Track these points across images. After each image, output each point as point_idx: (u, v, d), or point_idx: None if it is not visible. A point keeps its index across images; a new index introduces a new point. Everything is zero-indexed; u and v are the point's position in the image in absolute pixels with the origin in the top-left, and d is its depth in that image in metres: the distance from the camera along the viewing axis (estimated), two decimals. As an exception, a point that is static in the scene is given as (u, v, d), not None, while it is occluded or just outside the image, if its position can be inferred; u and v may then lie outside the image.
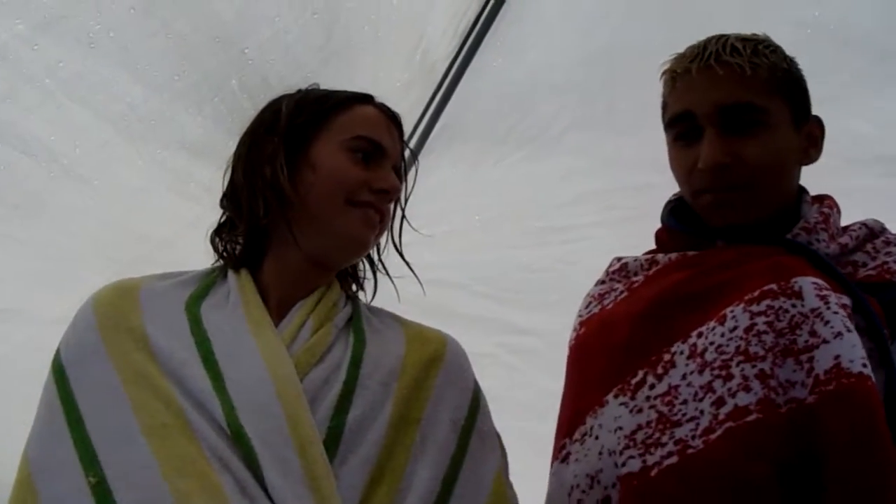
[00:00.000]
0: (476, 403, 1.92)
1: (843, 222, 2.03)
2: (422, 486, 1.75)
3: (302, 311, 1.85)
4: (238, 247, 1.93)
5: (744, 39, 1.96)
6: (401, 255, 2.05)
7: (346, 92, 1.96)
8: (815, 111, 2.04)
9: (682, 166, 1.98)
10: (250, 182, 1.88)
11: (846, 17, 3.38)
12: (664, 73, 2.03)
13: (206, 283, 1.88)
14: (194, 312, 1.80)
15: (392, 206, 1.96)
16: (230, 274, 1.90)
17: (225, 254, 1.95)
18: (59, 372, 1.75)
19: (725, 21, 3.35)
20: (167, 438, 1.63)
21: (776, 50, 1.97)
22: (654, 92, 2.06)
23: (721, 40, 1.95)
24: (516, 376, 4.09)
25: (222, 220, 1.98)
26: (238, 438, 1.64)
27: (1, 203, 3.08)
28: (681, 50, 2.03)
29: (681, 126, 1.96)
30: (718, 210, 1.94)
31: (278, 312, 1.84)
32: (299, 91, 1.98)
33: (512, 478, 1.95)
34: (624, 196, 3.75)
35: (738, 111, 1.90)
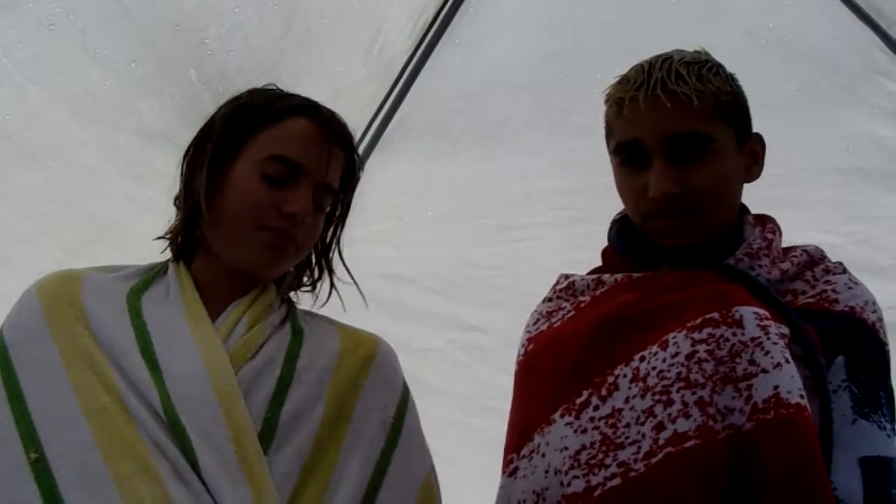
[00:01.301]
0: (404, 404, 1.95)
1: (792, 233, 2.08)
2: (353, 479, 1.80)
3: (238, 310, 1.87)
4: (173, 242, 1.96)
5: (688, 63, 1.96)
6: (343, 262, 2.07)
7: (288, 101, 1.93)
8: (765, 120, 2.07)
9: (630, 192, 2.00)
10: (185, 187, 1.92)
11: (799, 29, 3.43)
12: (609, 97, 2.03)
13: (147, 278, 1.90)
14: (135, 305, 1.83)
15: (327, 212, 1.96)
16: (170, 268, 1.92)
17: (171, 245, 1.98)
18: (1, 352, 1.76)
19: (680, 28, 3.41)
20: (107, 421, 1.66)
21: (719, 72, 1.99)
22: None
23: (665, 65, 1.96)
24: (465, 372, 4.09)
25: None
26: (174, 426, 1.67)
27: (-47, 182, 3.08)
28: (634, 57, 2.05)
29: (628, 153, 1.97)
30: (667, 235, 1.97)
31: (212, 309, 1.86)
32: (249, 93, 1.97)
33: (456, 471, 1.98)
34: (574, 197, 3.77)
35: (685, 140, 1.92)
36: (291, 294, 2.05)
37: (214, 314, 1.85)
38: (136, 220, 3.20)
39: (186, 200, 1.91)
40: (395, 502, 1.84)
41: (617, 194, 2.11)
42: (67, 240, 3.23)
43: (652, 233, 2.00)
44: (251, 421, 1.72)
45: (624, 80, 2.00)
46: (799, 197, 2.14)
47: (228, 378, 1.74)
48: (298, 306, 2.05)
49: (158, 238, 1.97)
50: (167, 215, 1.98)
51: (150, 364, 1.73)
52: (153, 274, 1.91)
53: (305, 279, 2.06)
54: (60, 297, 1.82)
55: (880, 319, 1.93)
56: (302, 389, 1.82)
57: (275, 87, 1.98)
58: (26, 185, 3.05)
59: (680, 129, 1.92)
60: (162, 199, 2.02)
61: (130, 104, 3.08)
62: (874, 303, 1.95)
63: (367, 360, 1.94)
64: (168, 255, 1.97)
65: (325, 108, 1.96)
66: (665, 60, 1.97)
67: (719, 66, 2.01)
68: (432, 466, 1.95)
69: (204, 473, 1.65)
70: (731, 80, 2.01)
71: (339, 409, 1.85)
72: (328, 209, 1.96)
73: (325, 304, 2.05)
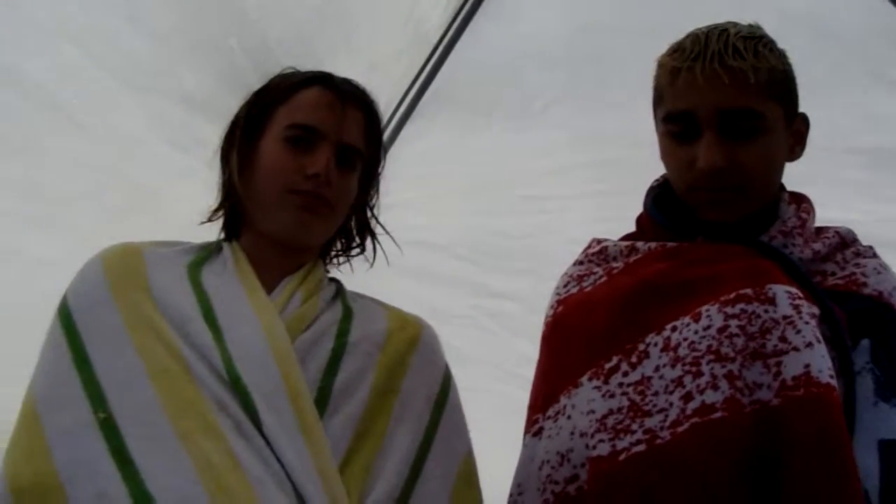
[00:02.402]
0: (447, 382, 2.01)
1: (819, 213, 2.07)
2: (402, 448, 1.86)
3: (291, 284, 1.94)
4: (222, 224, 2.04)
5: (745, 38, 1.94)
6: (376, 220, 2.13)
7: (298, 76, 2.01)
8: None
9: (677, 162, 1.99)
10: (223, 170, 2.01)
11: (827, 9, 3.44)
12: (662, 65, 2.00)
13: (204, 254, 1.97)
14: (195, 276, 1.90)
15: (356, 178, 2.01)
16: (225, 246, 1.98)
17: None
18: (65, 317, 1.83)
19: (713, 4, 3.41)
20: (170, 382, 1.73)
21: (773, 48, 1.96)
22: (641, 70, 2.07)
23: (722, 37, 1.93)
24: (490, 338, 4.15)
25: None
26: (236, 385, 1.74)
27: (2, 146, 3.13)
28: (668, 32, 2.06)
29: (679, 124, 1.96)
30: (711, 208, 1.97)
31: (265, 284, 1.92)
32: (268, 81, 2.03)
33: (479, 435, 2.03)
34: (605, 170, 3.79)
35: (738, 116, 1.91)
36: (339, 270, 2.12)
37: (268, 288, 1.91)
38: (176, 187, 3.25)
39: (225, 185, 2.00)
40: (439, 474, 1.89)
41: (644, 169, 2.14)
42: (109, 204, 3.28)
43: (695, 204, 2.00)
44: (307, 385, 1.79)
45: (679, 50, 1.97)
46: (822, 175, 2.16)
47: (285, 343, 1.80)
48: (341, 276, 2.11)
49: (203, 223, 2.04)
50: (206, 182, 2.05)
51: (213, 328, 1.80)
52: (209, 251, 1.98)
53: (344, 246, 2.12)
54: (124, 266, 1.89)
55: None
56: (353, 361, 1.88)
57: (292, 69, 2.05)
58: (71, 151, 3.09)
59: (734, 104, 1.90)
60: (201, 166, 2.07)
61: (173, 72, 3.14)
62: None
63: (413, 339, 2.00)
64: (208, 228, 2.04)
65: (338, 77, 2.03)
66: (722, 33, 1.94)
67: (773, 42, 1.99)
68: (471, 445, 2.00)
69: (265, 429, 1.70)
70: (783, 57, 1.99)
71: (388, 383, 1.91)
72: (359, 170, 2.01)
73: (371, 265, 2.11)
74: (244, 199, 1.96)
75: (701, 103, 1.92)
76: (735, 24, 1.99)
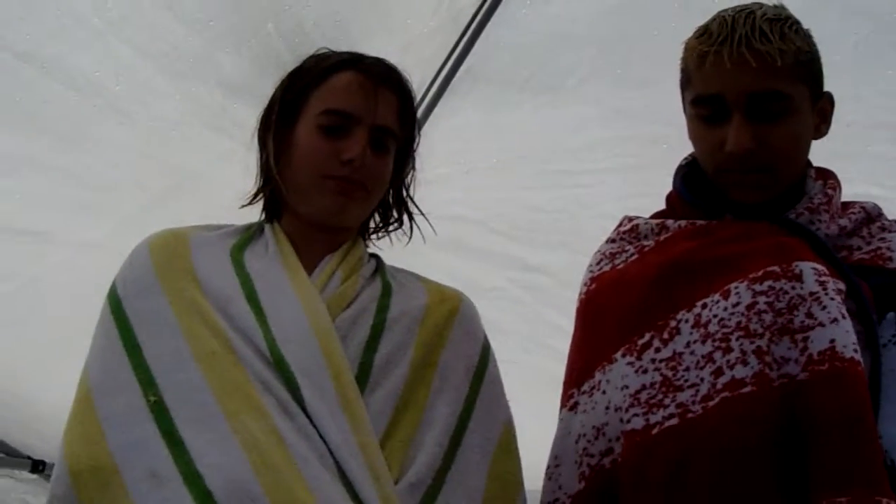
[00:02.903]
0: (486, 354, 2.05)
1: (844, 188, 2.09)
2: (442, 420, 1.90)
3: (331, 264, 1.98)
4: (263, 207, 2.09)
5: (771, 20, 1.95)
6: (411, 200, 2.16)
7: (331, 59, 2.03)
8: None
9: (706, 144, 2.02)
10: (260, 154, 2.05)
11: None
12: (690, 48, 2.02)
13: (247, 236, 2.02)
14: (238, 259, 1.95)
15: (391, 158, 2.04)
16: (267, 228, 2.03)
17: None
18: (115, 304, 1.90)
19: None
20: (216, 364, 1.78)
21: (798, 30, 1.98)
22: (669, 47, 2.09)
23: (749, 20, 1.95)
24: (524, 310, 4.19)
25: None
26: (279, 365, 1.79)
27: (47, 134, 3.18)
28: (695, 10, 2.08)
29: (708, 107, 1.99)
30: (740, 189, 2.00)
31: (306, 264, 1.97)
32: (301, 64, 2.06)
33: (514, 406, 2.08)
34: (635, 145, 3.82)
35: (766, 99, 1.93)
36: (375, 244, 2.16)
37: (309, 268, 1.96)
38: (216, 169, 3.29)
39: (262, 168, 2.04)
40: (478, 444, 1.93)
41: (674, 144, 2.16)
42: (151, 188, 3.34)
43: (724, 185, 2.02)
44: (348, 362, 1.83)
45: (707, 33, 1.98)
46: (850, 151, 2.18)
47: (326, 323, 1.85)
48: (378, 250, 2.15)
49: (243, 206, 2.08)
50: (246, 165, 2.09)
51: (256, 310, 1.85)
52: (251, 233, 2.03)
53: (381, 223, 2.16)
54: (170, 252, 1.94)
55: None
56: (393, 337, 1.92)
57: (326, 50, 2.07)
58: (113, 137, 3.14)
59: (762, 87, 1.92)
60: (241, 149, 2.11)
61: (212, 58, 3.18)
62: None
63: (451, 313, 2.04)
64: (250, 209, 2.08)
65: (370, 57, 2.05)
66: (749, 15, 1.96)
67: (798, 23, 2.00)
68: (510, 415, 2.04)
69: (308, 407, 1.75)
70: (808, 38, 2.00)
71: (427, 356, 1.95)
72: (393, 150, 2.03)
73: (408, 242, 2.14)
74: (281, 182, 1.99)
75: (729, 87, 1.94)
76: (761, 6, 2.00)
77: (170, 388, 1.77)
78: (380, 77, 2.00)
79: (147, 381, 1.78)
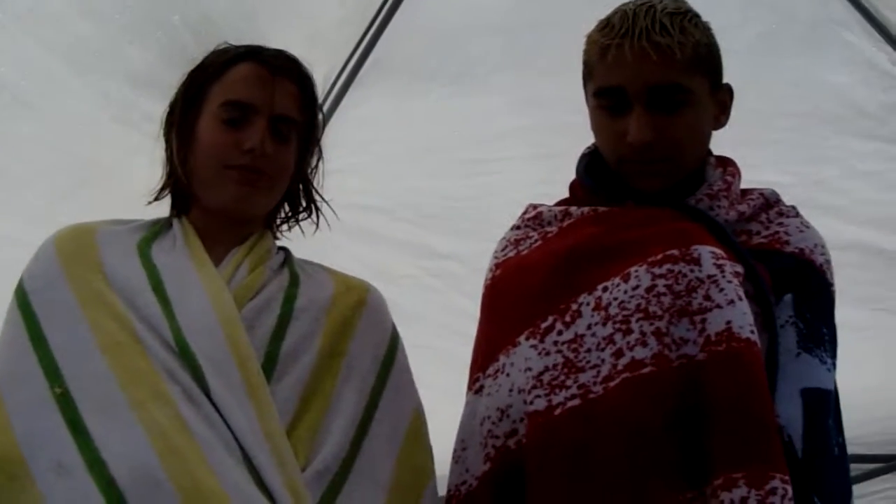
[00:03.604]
0: (394, 344, 2.07)
1: (747, 172, 2.14)
2: (348, 409, 1.91)
3: (238, 255, 1.98)
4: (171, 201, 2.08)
5: (671, 14, 1.98)
6: (313, 187, 2.16)
7: (229, 53, 2.04)
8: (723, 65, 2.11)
9: (608, 135, 2.05)
10: (166, 148, 2.05)
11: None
12: (592, 41, 2.04)
13: (155, 230, 2.01)
14: (145, 252, 1.95)
15: (293, 147, 2.04)
16: (175, 222, 2.02)
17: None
18: (21, 297, 1.90)
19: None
20: (121, 354, 1.78)
21: (697, 23, 2.01)
22: (576, 36, 2.08)
23: (650, 14, 1.97)
24: (435, 297, 4.20)
25: None
26: (184, 354, 1.79)
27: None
28: (596, 3, 2.13)
29: (609, 99, 2.01)
30: (641, 178, 2.03)
31: (214, 256, 1.97)
32: (202, 59, 2.06)
33: (425, 390, 2.10)
34: (544, 134, 3.85)
35: (666, 91, 1.96)
36: (285, 235, 2.16)
37: (217, 261, 1.96)
38: (125, 163, 3.24)
39: (168, 163, 2.05)
40: (386, 433, 1.95)
41: (582, 133, 2.17)
42: (60, 183, 3.29)
43: (626, 175, 2.05)
44: (254, 350, 1.84)
45: (608, 26, 2.01)
46: (755, 137, 2.23)
47: (232, 312, 1.85)
48: (287, 242, 2.15)
49: (150, 202, 2.08)
50: (155, 158, 2.08)
51: (162, 300, 1.85)
52: (159, 227, 2.02)
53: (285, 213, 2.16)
54: (76, 246, 1.94)
55: (828, 261, 2.02)
56: (300, 327, 1.93)
57: (226, 44, 2.08)
58: (21, 132, 3.09)
59: (662, 80, 1.96)
60: (149, 142, 2.11)
61: (119, 51, 3.16)
62: (823, 246, 2.03)
63: (359, 303, 2.05)
64: (160, 204, 2.08)
65: (270, 49, 2.06)
66: (649, 9, 1.98)
67: (697, 15, 2.03)
68: (419, 403, 2.06)
69: (213, 395, 1.76)
70: (707, 30, 2.04)
71: (334, 345, 1.96)
72: (295, 139, 2.04)
73: (315, 231, 2.15)
74: (187, 176, 1.99)
75: (630, 79, 1.97)
76: (663, 2, 2.03)
77: (75, 378, 1.77)
78: (278, 67, 2.02)
79: (52, 372, 1.78)
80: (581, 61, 2.11)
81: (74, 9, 3.00)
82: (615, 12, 2.04)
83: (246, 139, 1.95)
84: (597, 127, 2.10)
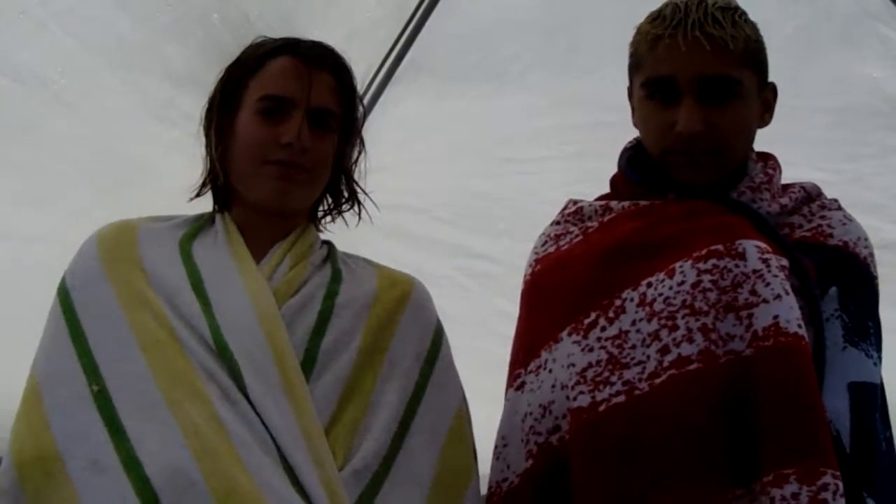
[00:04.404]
0: (438, 339, 2.04)
1: (785, 169, 2.12)
2: (389, 406, 1.89)
3: (280, 250, 1.98)
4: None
5: (722, 8, 1.98)
6: (354, 181, 2.14)
7: (265, 46, 2.03)
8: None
9: (655, 125, 2.03)
10: (206, 145, 2.04)
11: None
12: (642, 32, 2.04)
13: (197, 226, 2.01)
14: (186, 249, 1.95)
15: (336, 138, 2.02)
16: (217, 218, 2.02)
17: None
18: (63, 295, 1.90)
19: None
20: (160, 353, 1.78)
21: (747, 20, 2.01)
22: (611, 34, 2.09)
23: (701, 7, 1.97)
24: (472, 298, 4.17)
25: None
26: (223, 353, 1.79)
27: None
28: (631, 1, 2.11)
29: (658, 88, 2.01)
30: (687, 170, 2.02)
31: (256, 251, 1.96)
32: (239, 55, 2.06)
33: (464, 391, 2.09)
34: (579, 132, 3.83)
35: (717, 83, 1.96)
36: (326, 228, 2.15)
37: (259, 255, 1.95)
38: (164, 161, 3.26)
39: (207, 159, 2.04)
40: (428, 429, 1.93)
41: (617, 131, 2.18)
42: (99, 181, 3.30)
43: (671, 166, 2.04)
44: (293, 347, 1.83)
45: (660, 18, 2.01)
46: (791, 134, 2.21)
47: (272, 309, 1.85)
48: (329, 235, 2.14)
49: (192, 199, 2.08)
50: (193, 156, 2.08)
51: (201, 299, 1.85)
52: (202, 223, 2.02)
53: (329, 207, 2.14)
54: (117, 244, 1.94)
55: (871, 254, 2.00)
56: (340, 323, 1.92)
57: (263, 38, 2.07)
58: (61, 130, 3.10)
59: (714, 71, 1.95)
60: (188, 140, 2.11)
61: (158, 49, 3.16)
62: (866, 238, 2.02)
63: (402, 297, 2.03)
64: (202, 199, 2.08)
65: (306, 41, 2.05)
66: (701, 2, 1.98)
67: (746, 13, 2.03)
68: (464, 399, 2.04)
69: (251, 394, 1.75)
70: (756, 28, 2.03)
71: (376, 342, 1.94)
72: (335, 130, 2.02)
73: (358, 223, 2.14)
74: (227, 172, 1.99)
75: (682, 69, 1.97)
76: None
77: (113, 377, 1.77)
78: (314, 59, 2.00)
79: (91, 370, 1.78)
80: (619, 58, 2.12)
81: (114, 7, 2.99)
82: (666, 5, 2.04)
83: (283, 133, 1.94)
84: (643, 117, 2.08)
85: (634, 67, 2.09)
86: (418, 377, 1.98)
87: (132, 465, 1.67)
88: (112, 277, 1.89)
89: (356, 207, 2.14)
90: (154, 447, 1.69)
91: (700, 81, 1.96)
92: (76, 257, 1.96)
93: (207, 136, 2.04)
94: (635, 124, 2.14)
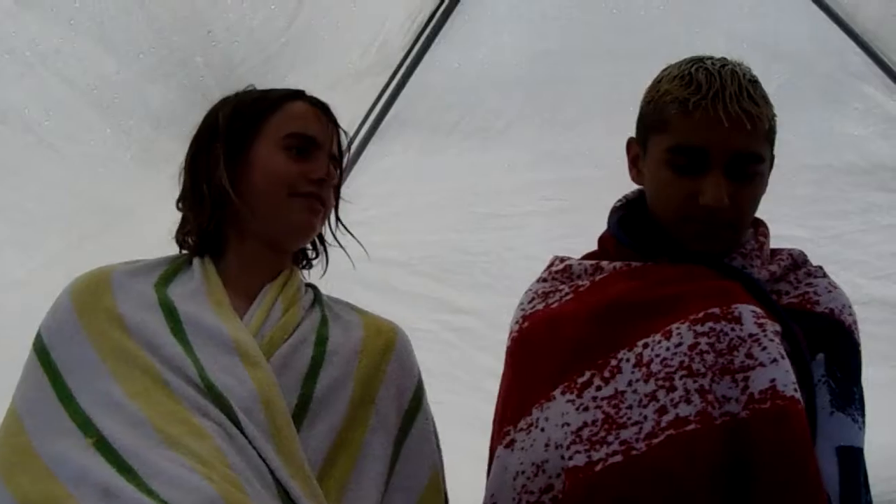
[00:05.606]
0: (419, 392, 2.07)
1: (770, 229, 2.15)
2: (377, 462, 1.91)
3: (271, 293, 1.98)
4: (195, 239, 2.05)
5: (752, 81, 1.98)
6: (345, 227, 2.17)
7: (278, 91, 2.08)
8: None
9: (675, 192, 2.01)
10: (197, 186, 2.02)
11: (778, 33, 3.50)
12: (672, 96, 2.00)
13: (173, 268, 2.00)
14: (162, 291, 1.93)
15: (332, 190, 2.08)
16: (195, 261, 2.01)
17: (186, 244, 2.07)
18: (42, 353, 1.88)
19: (667, 30, 3.47)
20: (151, 399, 1.77)
21: (765, 94, 2.02)
22: (594, 91, 2.09)
23: (735, 78, 1.95)
24: (453, 352, 4.17)
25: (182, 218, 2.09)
26: (210, 391, 1.78)
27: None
28: (622, 56, 2.10)
29: (687, 157, 1.98)
30: (706, 241, 2.02)
31: (246, 296, 1.97)
32: (236, 95, 2.10)
33: (442, 446, 2.06)
34: (562, 188, 3.82)
35: (747, 159, 1.96)
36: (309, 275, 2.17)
37: (249, 294, 1.97)
38: (146, 205, 3.24)
39: (203, 198, 2.01)
40: (405, 486, 1.96)
41: (600, 187, 2.19)
42: (81, 224, 3.26)
43: (687, 234, 2.02)
44: (285, 392, 1.83)
45: (693, 84, 1.97)
46: (775, 192, 2.19)
47: (253, 348, 1.84)
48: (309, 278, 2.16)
49: (181, 245, 2.07)
50: (173, 197, 2.08)
51: (181, 340, 1.84)
52: (178, 264, 2.01)
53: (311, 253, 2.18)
54: (91, 294, 1.92)
55: (855, 322, 2.03)
56: (332, 371, 1.93)
57: (252, 87, 2.12)
58: (44, 173, 3.07)
59: (749, 149, 1.95)
60: (168, 183, 2.12)
61: (141, 90, 3.14)
62: (850, 306, 2.04)
63: (387, 346, 2.04)
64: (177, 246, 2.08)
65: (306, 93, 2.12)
66: (733, 73, 1.96)
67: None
68: (440, 453, 2.06)
69: (245, 430, 1.75)
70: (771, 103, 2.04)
71: (365, 392, 1.96)
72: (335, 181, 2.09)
73: (353, 266, 2.19)
74: (238, 208, 1.99)
75: (718, 143, 1.95)
76: (735, 63, 2.02)
77: (109, 426, 1.75)
78: (327, 111, 2.08)
79: (85, 424, 1.76)
80: (601, 114, 2.13)
81: (100, 49, 2.96)
82: (695, 68, 2.00)
83: (314, 170, 2.00)
84: (660, 181, 2.05)
85: (656, 129, 2.06)
86: (398, 432, 1.99)
87: (146, 491, 1.65)
88: (89, 330, 1.88)
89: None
90: (164, 478, 1.67)
91: (734, 157, 1.96)
92: (51, 312, 1.94)
93: (205, 168, 2.02)
94: (634, 180, 2.16)
